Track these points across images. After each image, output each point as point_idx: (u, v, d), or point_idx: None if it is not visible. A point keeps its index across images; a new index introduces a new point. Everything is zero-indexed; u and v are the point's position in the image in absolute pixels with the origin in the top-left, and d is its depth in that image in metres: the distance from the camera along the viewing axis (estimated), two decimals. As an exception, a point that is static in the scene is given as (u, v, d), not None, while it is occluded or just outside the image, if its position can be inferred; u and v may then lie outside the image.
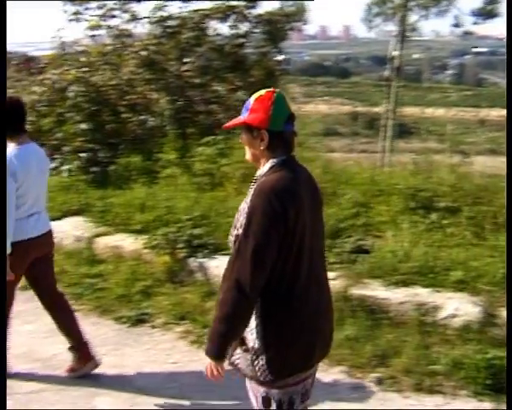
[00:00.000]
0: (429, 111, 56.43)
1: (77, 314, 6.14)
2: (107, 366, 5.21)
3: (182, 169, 8.25)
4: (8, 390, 4.86)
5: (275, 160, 2.96)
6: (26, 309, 6.36)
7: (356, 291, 5.62)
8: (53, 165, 9.08)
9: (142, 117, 9.68)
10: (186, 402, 4.76)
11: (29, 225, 4.78)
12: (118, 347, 5.58)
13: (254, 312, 2.93)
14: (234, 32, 11.49)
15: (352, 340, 5.26)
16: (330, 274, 5.80)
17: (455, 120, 47.47)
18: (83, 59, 10.64)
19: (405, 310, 5.39)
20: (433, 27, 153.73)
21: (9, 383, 4.98)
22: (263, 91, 3.00)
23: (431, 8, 25.18)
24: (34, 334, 5.88)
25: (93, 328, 5.92)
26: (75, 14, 11.82)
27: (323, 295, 3.12)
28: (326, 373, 5.03)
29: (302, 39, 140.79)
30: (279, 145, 2.97)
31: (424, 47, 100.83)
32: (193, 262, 6.53)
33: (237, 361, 3.03)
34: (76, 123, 9.31)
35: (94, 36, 11.98)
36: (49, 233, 5.05)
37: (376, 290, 5.62)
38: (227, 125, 3.24)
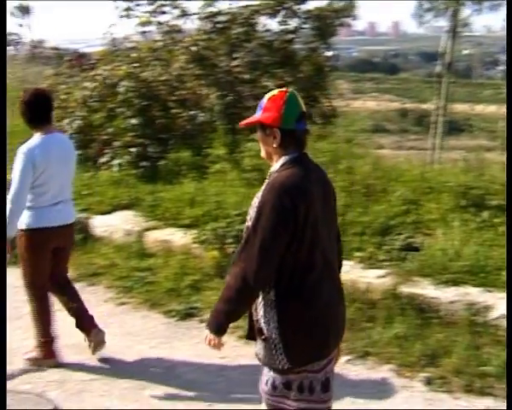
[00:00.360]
0: (480, 108, 55.49)
1: (127, 307, 6.27)
2: (156, 359, 5.27)
3: (231, 164, 8.26)
4: (59, 380, 4.99)
5: (287, 157, 3.06)
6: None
7: (405, 289, 5.57)
8: (103, 159, 9.21)
9: (192, 112, 9.71)
10: (234, 396, 4.77)
11: (51, 214, 4.93)
12: (167, 340, 5.62)
13: (269, 303, 3.05)
14: (283, 27, 11.46)
15: (401, 338, 5.21)
16: (379, 272, 5.83)
17: (507, 117, 46.47)
18: (133, 55, 10.72)
19: (455, 309, 5.31)
20: (484, 22, 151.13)
21: (61, 372, 5.10)
22: (276, 91, 3.12)
23: (484, 3, 24.81)
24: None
25: (142, 321, 6.00)
26: (126, 10, 11.94)
27: (336, 288, 3.21)
28: (374, 371, 5.01)
29: (351, 35, 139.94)
30: (291, 143, 3.06)
31: (475, 42, 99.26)
32: (241, 258, 6.53)
33: (257, 351, 3.15)
34: (126, 118, 9.38)
35: (144, 32, 12.08)
36: (72, 225, 5.23)
37: (426, 289, 5.54)
38: (243, 123, 3.35)
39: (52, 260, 5.10)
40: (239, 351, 5.40)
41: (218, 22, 11.00)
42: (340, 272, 3.38)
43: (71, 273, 7.02)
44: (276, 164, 3.10)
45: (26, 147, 4.79)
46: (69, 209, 5.16)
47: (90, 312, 5.34)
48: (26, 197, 4.79)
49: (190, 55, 10.42)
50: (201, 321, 5.96)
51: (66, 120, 9.90)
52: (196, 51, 10.44)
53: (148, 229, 7.38)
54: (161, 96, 9.84)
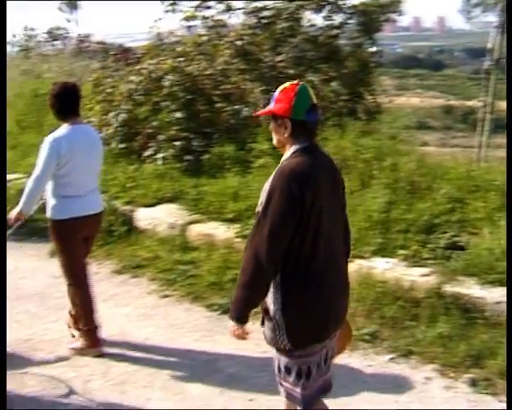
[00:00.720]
0: (528, 105, 54.37)
1: (170, 300, 6.33)
2: (199, 352, 5.30)
3: (275, 159, 8.21)
4: (102, 370, 5.05)
5: (297, 146, 3.26)
6: (120, 293, 6.58)
7: (450, 289, 5.50)
8: (148, 153, 9.28)
9: (236, 107, 9.71)
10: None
11: (78, 204, 5.09)
12: (209, 333, 5.65)
13: (275, 286, 3.25)
14: (328, 22, 11.39)
15: (445, 338, 5.14)
16: (423, 270, 5.77)
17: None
18: (178, 49, 10.77)
19: (502, 310, 5.20)
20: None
21: (104, 363, 5.17)
22: (287, 84, 3.31)
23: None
24: (127, 317, 6.03)
25: (185, 314, 6.04)
26: (171, 5, 11.99)
27: (340, 276, 3.40)
28: (417, 371, 4.96)
29: (395, 31, 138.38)
30: (301, 133, 3.25)
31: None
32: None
33: (264, 331, 3.38)
34: (171, 112, 9.42)
35: (189, 26, 12.14)
36: (101, 214, 5.41)
37: (471, 289, 5.47)
38: (257, 113, 3.72)
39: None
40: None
41: (263, 17, 10.98)
42: (347, 259, 3.57)
43: (115, 265, 7.18)
44: (288, 152, 3.30)
45: (53, 136, 4.99)
46: (96, 199, 5.32)
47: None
48: (45, 183, 5.01)
49: (235, 49, 10.43)
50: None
51: (112, 114, 9.99)
52: (241, 46, 10.45)
53: (191, 222, 7.43)
54: (206, 91, 9.86)
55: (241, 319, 3.33)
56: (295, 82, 3.33)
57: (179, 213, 7.66)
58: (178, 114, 9.32)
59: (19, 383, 4.94)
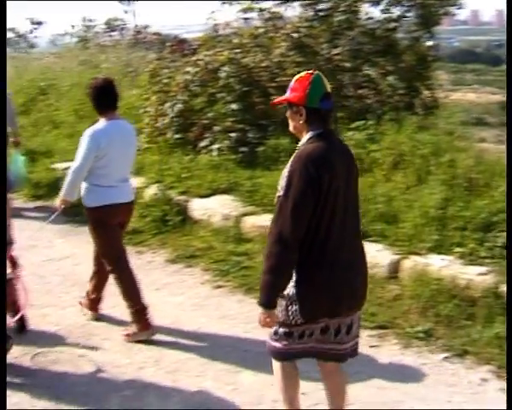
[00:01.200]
0: None
1: (223, 290, 6.36)
2: (251, 343, 5.31)
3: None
4: (155, 358, 5.11)
5: (312, 132, 3.47)
6: (173, 282, 6.64)
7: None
8: (203, 144, 9.32)
9: (292, 100, 9.67)
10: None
11: (113, 193, 5.36)
12: (263, 330, 5.63)
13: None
14: (386, 15, 11.23)
15: (502, 339, 5.01)
16: (480, 269, 5.67)
17: None
18: (235, 41, 10.78)
19: None
20: None
21: (158, 351, 5.22)
22: (303, 73, 3.56)
23: None
24: (180, 306, 6.08)
25: (238, 305, 6.06)
26: (229, -4, 12.01)
27: (355, 256, 3.59)
28: (472, 371, 4.88)
29: (452, 25, 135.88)
30: (316, 120, 3.47)
31: None
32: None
33: (277, 311, 3.52)
34: (227, 103, 9.44)
35: (246, 18, 12.13)
36: (133, 203, 5.68)
37: (530, 289, 5.34)
38: (274, 101, 3.99)
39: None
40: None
41: (320, 10, 10.89)
42: (361, 244, 3.69)
43: (169, 254, 7.24)
44: (304, 138, 3.53)
45: (93, 130, 5.26)
46: (128, 189, 5.59)
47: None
48: (84, 173, 5.27)
49: (291, 42, 10.36)
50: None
51: (168, 104, 10.06)
52: (297, 38, 10.37)
53: (245, 214, 7.44)
54: (262, 83, 9.85)
55: (269, 304, 3.48)
56: (310, 71, 3.56)
57: (234, 204, 7.69)
58: (234, 106, 9.33)
59: (75, 365, 5.05)
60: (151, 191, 8.37)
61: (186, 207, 7.97)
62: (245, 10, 11.88)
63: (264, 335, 5.37)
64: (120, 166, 5.43)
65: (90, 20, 25.21)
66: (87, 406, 4.52)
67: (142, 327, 5.40)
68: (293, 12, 11.47)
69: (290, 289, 3.47)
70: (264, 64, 10.04)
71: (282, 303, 3.50)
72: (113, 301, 6.10)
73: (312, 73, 3.51)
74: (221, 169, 8.60)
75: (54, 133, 12.87)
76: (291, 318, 3.50)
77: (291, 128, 3.64)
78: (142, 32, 21.10)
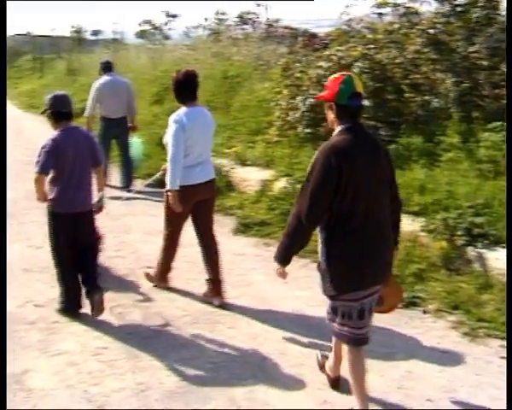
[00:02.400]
0: None
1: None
2: (378, 344, 5.21)
3: (464, 154, 7.91)
4: (280, 350, 5.12)
5: (342, 126, 3.95)
6: (301, 276, 6.62)
7: None
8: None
9: (426, 98, 9.42)
10: (454, 392, 4.60)
11: (194, 172, 5.87)
12: (387, 326, 5.54)
13: (321, 241, 4.01)
14: (529, 11, 10.73)
15: None
16: None
17: None
18: (369, 36, 10.64)
19: None
20: None
21: (282, 343, 5.23)
22: (337, 74, 4.07)
23: None
24: (308, 301, 6.07)
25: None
26: (363, -10, 11.88)
27: (380, 235, 3.99)
28: None
29: None
30: (345, 115, 3.94)
31: None
32: (471, 251, 6.29)
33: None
34: (360, 99, 9.35)
35: (380, 13, 11.94)
36: (212, 181, 6.10)
37: None
38: (316, 96, 4.56)
39: (196, 211, 6.05)
40: (462, 348, 5.23)
41: (458, 5, 10.54)
42: (397, 225, 4.26)
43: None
44: (335, 131, 4.01)
45: (177, 115, 5.80)
46: (209, 168, 6.08)
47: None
48: (181, 158, 5.74)
49: (426, 38, 10.09)
50: (424, 312, 5.87)
51: (299, 98, 10.08)
52: (433, 35, 10.08)
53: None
54: (395, 79, 9.65)
55: (282, 261, 4.15)
56: (344, 72, 4.12)
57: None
58: (366, 102, 9.20)
59: (200, 351, 5.16)
60: (280, 184, 8.42)
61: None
62: (379, 5, 11.70)
63: (390, 337, 5.36)
64: (201, 147, 5.92)
65: (223, 14, 25.64)
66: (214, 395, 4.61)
67: (160, 279, 6.46)
68: (428, 7, 11.16)
69: (322, 263, 4.03)
70: (397, 61, 9.83)
71: (319, 276, 4.10)
72: (239, 291, 6.22)
73: (344, 74, 4.03)
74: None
75: (186, 123, 13.20)
76: (327, 289, 4.06)
77: (328, 121, 4.14)
78: (274, 25, 21.21)
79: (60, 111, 5.66)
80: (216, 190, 6.43)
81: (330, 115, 4.03)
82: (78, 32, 40.64)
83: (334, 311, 4.14)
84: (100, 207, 5.94)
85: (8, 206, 8.98)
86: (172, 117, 5.81)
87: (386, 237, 4.06)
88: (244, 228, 8.04)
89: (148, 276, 6.55)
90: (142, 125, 14.20)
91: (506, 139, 7.25)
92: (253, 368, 4.91)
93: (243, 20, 24.09)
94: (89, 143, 5.81)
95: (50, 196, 5.65)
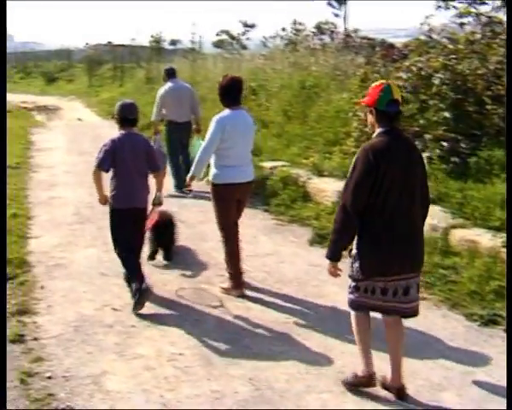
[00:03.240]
0: None
1: (427, 303, 6.17)
2: (454, 361, 5.11)
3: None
4: (356, 363, 5.05)
5: (380, 129, 4.42)
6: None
7: None
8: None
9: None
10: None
11: (235, 173, 6.29)
12: (465, 344, 5.45)
13: (357, 232, 4.43)
14: None
15: None
16: None
17: None
18: (450, 46, 10.43)
19: None
20: None
21: (359, 357, 5.15)
22: (378, 82, 4.53)
23: None
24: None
25: (442, 320, 5.87)
26: (444, 0, 11.68)
27: (409, 230, 4.42)
28: None
29: None
30: (383, 119, 4.39)
31: None
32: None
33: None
34: (439, 111, 9.15)
35: (461, 23, 11.72)
36: (251, 183, 6.56)
37: None
38: (357, 101, 5.38)
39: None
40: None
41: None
42: (423, 220, 4.65)
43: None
44: (375, 133, 4.48)
45: (220, 116, 6.27)
46: (249, 170, 6.52)
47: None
48: (211, 152, 6.28)
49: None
50: (505, 330, 5.67)
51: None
52: (516, 46, 9.83)
53: (454, 226, 7.16)
54: (476, 91, 9.42)
55: (333, 257, 4.55)
56: (383, 81, 4.58)
57: (442, 215, 7.43)
58: (446, 114, 9.03)
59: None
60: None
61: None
62: (461, 14, 11.50)
63: (468, 355, 5.22)
64: (242, 149, 6.36)
65: (300, 23, 25.72)
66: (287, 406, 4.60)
67: (234, 286, 6.47)
68: (511, 16, 10.89)
69: (354, 250, 4.50)
70: (479, 72, 9.61)
71: (350, 260, 4.55)
72: (314, 302, 6.19)
73: (384, 83, 4.47)
74: (430, 178, 8.34)
75: (263, 132, 13.27)
76: (355, 272, 4.52)
77: (368, 125, 4.67)
78: (352, 35, 21.11)
79: (126, 117, 6.34)
80: (251, 192, 6.92)
81: (371, 119, 4.51)
82: (157, 41, 41.45)
83: (356, 289, 4.60)
84: (159, 203, 6.58)
85: (84, 210, 9.27)
86: (215, 117, 6.29)
87: (416, 233, 4.51)
88: (320, 239, 8.00)
89: (224, 289, 6.57)
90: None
91: (506, 139, 7.07)
92: (327, 381, 4.86)
93: (321, 30, 24.09)
94: (147, 149, 6.39)
95: (110, 193, 6.29)
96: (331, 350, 5.33)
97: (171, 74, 11.02)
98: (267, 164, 10.83)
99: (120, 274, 6.88)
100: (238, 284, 6.48)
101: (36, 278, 7.00)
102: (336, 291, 6.52)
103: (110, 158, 6.14)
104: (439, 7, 12.06)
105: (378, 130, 4.43)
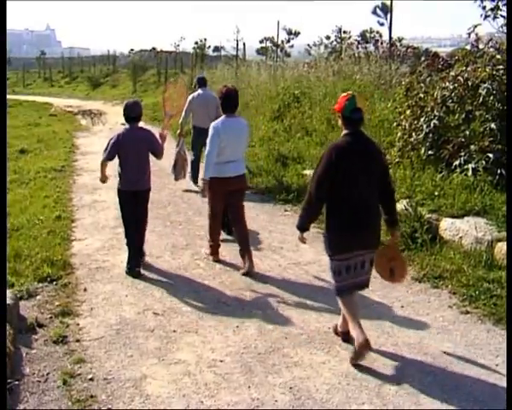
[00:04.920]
0: None
1: (471, 317, 6.07)
2: (500, 376, 5.00)
3: None
4: (397, 377, 4.97)
5: (345, 131, 5.34)
6: (419, 301, 6.51)
7: None
8: (458, 162, 8.97)
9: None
10: None
11: (226, 168, 7.33)
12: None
13: (325, 214, 5.40)
14: None
15: None
16: None
17: None
18: (498, 56, 10.27)
19: None
20: None
21: (399, 370, 5.07)
22: (345, 93, 5.49)
23: None
24: (425, 327, 5.92)
25: (486, 335, 5.75)
26: (492, 9, 11.49)
27: (367, 216, 5.30)
28: None
29: None
30: (348, 124, 5.31)
31: None
32: None
33: None
34: (485, 122, 9.02)
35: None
36: (241, 176, 7.54)
37: None
38: (333, 108, 6.00)
39: (229, 200, 7.57)
40: None
41: None
42: (389, 211, 5.50)
43: (416, 272, 7.12)
44: (341, 135, 5.41)
45: (216, 123, 7.34)
46: (239, 165, 7.51)
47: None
48: (214, 155, 7.21)
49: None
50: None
51: (422, 119, 9.89)
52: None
53: (500, 239, 7.02)
54: (524, 102, 9.26)
55: (300, 228, 5.58)
56: (350, 92, 5.58)
57: (487, 228, 7.31)
58: (493, 125, 8.88)
59: (314, 371, 5.10)
60: (400, 206, 8.28)
61: (436, 225, 7.76)
62: (510, 24, 11.26)
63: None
64: (233, 149, 7.32)
65: (345, 32, 25.62)
66: (328, 414, 4.55)
67: (212, 252, 7.94)
68: None
69: (324, 232, 5.48)
70: (528, 82, 9.42)
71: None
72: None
73: (349, 94, 5.44)
74: (475, 190, 8.24)
75: (305, 140, 13.24)
76: (326, 250, 5.48)
77: (340, 126, 5.52)
78: (396, 44, 20.95)
79: (129, 115, 7.45)
80: (246, 183, 7.89)
81: (339, 123, 5.46)
82: (201, 48, 41.78)
83: (331, 269, 5.52)
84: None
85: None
86: (212, 124, 7.37)
87: (372, 217, 5.36)
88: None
89: (205, 254, 8.10)
90: (262, 140, 14.39)
91: (506, 139, 7.29)
92: (369, 393, 4.80)
93: (365, 38, 23.97)
94: (147, 137, 7.50)
95: (118, 177, 7.49)
96: (373, 362, 5.25)
97: (201, 83, 11.85)
98: (309, 172, 10.79)
99: (162, 279, 6.93)
100: (215, 252, 7.93)
101: (79, 280, 7.09)
102: (378, 301, 6.47)
103: (115, 149, 7.32)
104: (487, 16, 11.84)
105: (344, 132, 5.35)
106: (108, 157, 7.39)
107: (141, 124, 7.60)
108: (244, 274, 7.28)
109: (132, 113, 7.43)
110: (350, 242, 5.31)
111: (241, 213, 7.68)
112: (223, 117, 7.38)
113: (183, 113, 11.52)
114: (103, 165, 7.51)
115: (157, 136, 7.62)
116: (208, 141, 7.26)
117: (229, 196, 7.49)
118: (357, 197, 5.22)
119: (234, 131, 7.32)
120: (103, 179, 7.63)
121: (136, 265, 7.34)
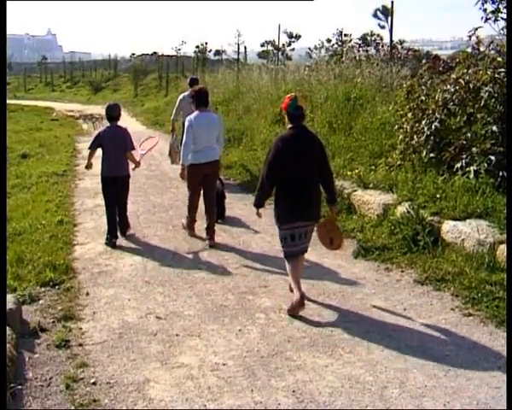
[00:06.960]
0: None
1: (473, 319, 6.06)
2: (502, 379, 4.98)
3: None
4: (401, 379, 4.95)
5: (289, 125, 6.38)
6: (421, 303, 6.51)
7: None
8: (459, 165, 8.96)
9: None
10: None
11: (200, 155, 8.60)
12: (514, 362, 5.30)
13: (274, 195, 6.45)
14: None
15: None
16: None
17: None
18: (499, 59, 10.26)
19: None
20: None
21: (403, 372, 5.06)
22: (289, 94, 6.59)
23: None
24: (428, 329, 5.92)
25: (488, 337, 5.74)
26: (493, 12, 11.48)
27: (307, 194, 6.32)
28: None
29: None
30: (291, 119, 6.37)
31: None
32: None
33: None
34: (486, 124, 9.01)
35: None
36: (214, 162, 8.77)
37: None
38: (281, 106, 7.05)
39: (204, 181, 8.79)
40: None
41: None
42: (332, 188, 6.65)
43: (418, 275, 7.13)
44: (286, 128, 6.44)
45: (189, 117, 8.64)
46: (212, 152, 8.75)
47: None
48: (190, 145, 8.53)
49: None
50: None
51: (424, 121, 9.88)
52: None
53: (502, 242, 7.00)
54: (525, 104, 9.25)
55: (257, 205, 6.61)
56: (293, 93, 6.65)
57: (489, 230, 7.29)
58: (494, 128, 8.87)
59: (318, 374, 5.10)
60: (402, 209, 8.27)
61: (438, 228, 7.75)
62: (510, 27, 11.26)
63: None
64: (205, 139, 8.58)
65: (345, 35, 25.61)
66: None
67: (188, 227, 9.19)
68: None
69: (274, 207, 6.50)
70: (529, 85, 9.41)
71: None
72: (358, 315, 6.14)
73: (293, 94, 6.53)
74: (477, 192, 8.23)
75: (307, 143, 13.18)
76: (276, 222, 6.49)
77: (285, 122, 6.56)
78: (397, 47, 20.95)
79: (109, 115, 8.99)
80: (218, 168, 9.11)
81: (285, 119, 6.54)
82: (202, 52, 41.85)
83: (281, 241, 6.51)
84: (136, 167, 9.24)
85: (130, 219, 9.36)
86: (187, 117, 8.67)
87: (312, 194, 6.37)
88: (365, 252, 7.95)
89: (182, 225, 9.44)
90: (264, 144, 14.39)
91: (506, 140, 7.44)
92: (372, 396, 4.79)
93: (366, 41, 23.97)
94: (123, 135, 8.93)
95: (101, 165, 8.85)
96: (375, 365, 5.25)
97: (193, 82, 12.72)
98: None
99: (165, 283, 6.92)
100: (192, 227, 9.14)
101: (81, 284, 7.10)
102: (381, 304, 6.46)
103: (97, 142, 8.87)
104: (488, 19, 11.83)
105: (288, 125, 6.40)
106: (91, 147, 8.94)
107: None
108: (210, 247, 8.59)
109: (112, 112, 9.00)
110: (294, 214, 6.33)
111: (213, 192, 9.00)
112: (196, 112, 8.71)
113: (174, 110, 13.05)
114: (90, 154, 9.02)
115: (130, 134, 9.13)
116: (184, 132, 8.67)
117: (204, 178, 8.75)
118: (300, 178, 6.28)
119: (205, 123, 8.64)
120: (88, 166, 9.13)
121: (114, 236, 8.79)
